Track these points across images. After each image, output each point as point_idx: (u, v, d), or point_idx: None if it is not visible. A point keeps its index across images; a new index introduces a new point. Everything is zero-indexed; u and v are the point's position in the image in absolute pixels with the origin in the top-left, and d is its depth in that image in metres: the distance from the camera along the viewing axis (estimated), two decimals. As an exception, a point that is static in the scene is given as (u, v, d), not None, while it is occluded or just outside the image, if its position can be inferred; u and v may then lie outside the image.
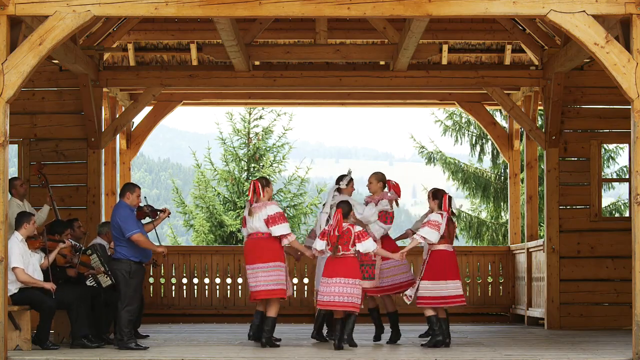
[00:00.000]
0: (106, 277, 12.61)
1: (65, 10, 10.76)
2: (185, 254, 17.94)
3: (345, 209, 11.84)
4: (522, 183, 20.82)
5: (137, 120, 18.00)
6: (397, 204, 13.04)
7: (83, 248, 12.77)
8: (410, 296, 12.30)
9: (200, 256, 17.81)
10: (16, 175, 14.60)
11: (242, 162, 27.28)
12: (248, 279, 12.22)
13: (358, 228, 11.92)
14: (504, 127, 19.75)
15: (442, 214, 12.30)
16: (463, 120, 25.79)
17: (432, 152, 26.25)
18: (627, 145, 17.67)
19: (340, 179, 13.06)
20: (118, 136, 17.18)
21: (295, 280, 17.41)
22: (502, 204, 25.46)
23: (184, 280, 17.71)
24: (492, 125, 18.26)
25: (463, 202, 26.37)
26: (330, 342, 12.74)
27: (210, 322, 17.34)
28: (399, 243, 13.55)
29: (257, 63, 16.33)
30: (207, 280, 17.67)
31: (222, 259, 17.76)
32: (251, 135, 27.41)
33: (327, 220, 12.37)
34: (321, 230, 12.05)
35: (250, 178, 26.96)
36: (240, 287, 17.66)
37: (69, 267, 12.50)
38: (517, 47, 16.96)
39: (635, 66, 10.72)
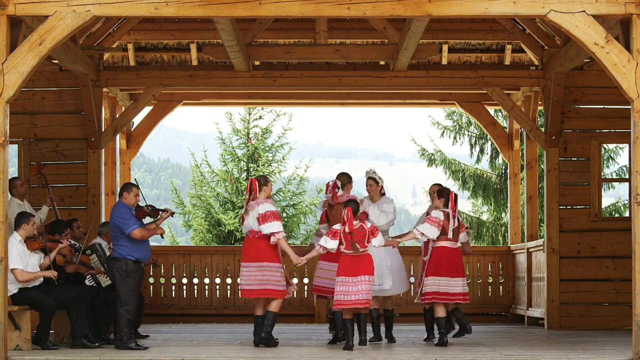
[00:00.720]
0: (106, 277, 12.62)
1: (65, 10, 10.76)
2: (185, 254, 17.94)
3: (354, 207, 11.87)
4: (522, 183, 20.82)
5: (137, 120, 18.01)
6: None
7: (82, 248, 12.78)
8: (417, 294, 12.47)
9: (200, 256, 17.81)
10: (16, 175, 14.59)
11: (242, 162, 27.28)
12: (240, 276, 12.20)
13: (369, 224, 11.98)
14: (504, 127, 19.76)
15: (444, 212, 12.35)
16: (463, 120, 25.79)
17: (432, 154, 26.25)
18: (627, 145, 17.66)
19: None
20: (118, 136, 17.18)
21: (295, 280, 17.40)
22: (502, 204, 25.46)
23: (184, 280, 17.71)
24: (492, 125, 18.26)
25: (463, 202, 26.35)
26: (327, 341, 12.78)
27: (210, 322, 17.34)
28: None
29: (257, 63, 16.33)
30: (207, 280, 17.67)
31: (222, 259, 17.76)
32: (250, 135, 27.42)
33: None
34: (330, 230, 12.02)
35: (249, 178, 26.94)
36: (240, 287, 17.63)
37: (68, 265, 12.49)
38: (517, 47, 16.96)
39: (635, 66, 10.72)
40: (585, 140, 15.93)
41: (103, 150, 16.08)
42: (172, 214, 12.38)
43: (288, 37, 16.64)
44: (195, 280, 17.64)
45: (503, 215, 25.64)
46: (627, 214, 23.51)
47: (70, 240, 12.72)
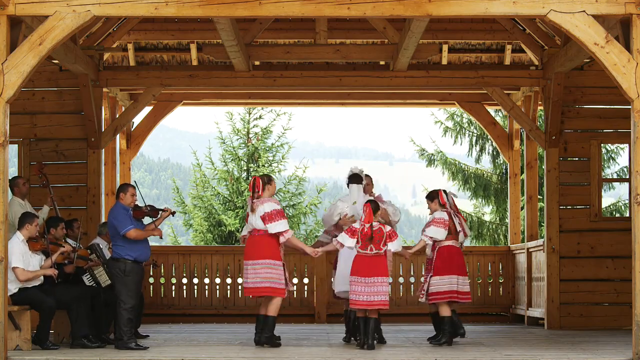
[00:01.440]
0: (105, 277, 12.61)
1: (65, 10, 10.76)
2: (185, 254, 17.94)
3: (374, 206, 11.90)
4: (522, 183, 20.82)
5: (137, 120, 18.01)
6: None
7: (81, 247, 12.78)
8: (422, 295, 12.46)
9: (200, 256, 17.81)
10: (17, 175, 14.59)
11: (242, 162, 27.29)
12: (244, 275, 12.25)
13: (388, 227, 12.00)
14: (504, 127, 19.76)
15: (446, 211, 12.39)
16: (464, 120, 25.78)
17: (432, 154, 26.23)
18: (627, 145, 17.68)
19: (356, 177, 13.01)
20: (118, 136, 17.18)
21: (295, 280, 17.41)
22: (502, 204, 25.45)
23: (184, 280, 17.71)
24: (492, 125, 18.26)
25: (464, 202, 26.34)
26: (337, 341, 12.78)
27: (210, 322, 17.34)
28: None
29: (257, 63, 16.33)
30: (207, 280, 17.67)
31: (222, 259, 17.76)
32: (250, 135, 27.42)
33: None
34: (348, 228, 12.03)
35: (249, 178, 26.97)
36: (240, 287, 17.65)
37: (68, 264, 12.49)
38: (517, 47, 16.96)
39: (635, 66, 10.72)
40: (585, 140, 15.93)
41: (103, 150, 16.08)
42: (173, 213, 12.35)
43: (288, 37, 16.64)
44: (195, 280, 17.64)
45: (503, 215, 25.64)
46: (627, 214, 23.51)
47: (69, 240, 12.73)
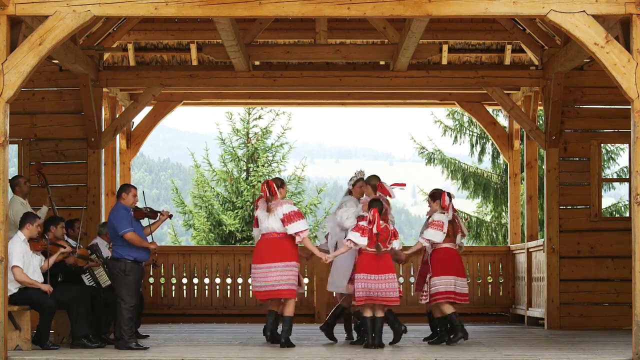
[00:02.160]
0: (105, 277, 12.61)
1: (65, 10, 10.76)
2: (185, 254, 17.94)
3: (379, 207, 11.93)
4: (522, 183, 20.82)
5: (137, 120, 18.01)
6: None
7: (81, 247, 12.77)
8: (425, 296, 12.47)
9: (200, 256, 17.81)
10: (18, 174, 14.59)
11: (241, 162, 27.28)
12: (255, 278, 12.18)
13: (392, 226, 12.03)
14: (504, 127, 19.76)
15: (445, 213, 12.39)
16: (465, 119, 25.78)
17: (432, 153, 26.24)
18: (627, 145, 17.68)
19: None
20: (118, 136, 17.18)
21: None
22: (502, 204, 25.45)
23: (184, 280, 17.71)
24: (492, 125, 18.26)
25: (463, 202, 26.34)
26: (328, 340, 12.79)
27: (210, 322, 17.34)
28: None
29: (257, 63, 16.33)
30: (207, 280, 17.67)
31: (222, 259, 17.76)
32: (250, 136, 27.41)
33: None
34: (356, 226, 12.01)
35: (249, 178, 26.97)
36: (240, 287, 17.66)
37: (69, 257, 12.47)
38: (517, 47, 16.96)
39: (635, 66, 10.72)
40: (585, 140, 15.93)
41: (103, 150, 16.08)
42: (170, 216, 12.40)
43: (288, 37, 16.64)
44: (195, 280, 17.63)
45: (503, 215, 25.64)
46: (627, 215, 23.51)
47: (68, 240, 12.72)
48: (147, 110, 17.85)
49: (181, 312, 17.54)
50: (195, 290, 17.65)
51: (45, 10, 10.78)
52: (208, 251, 18.66)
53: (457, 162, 26.08)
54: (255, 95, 18.13)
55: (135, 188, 12.12)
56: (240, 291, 17.64)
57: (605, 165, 24.18)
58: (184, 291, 17.69)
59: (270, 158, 27.41)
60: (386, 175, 13.28)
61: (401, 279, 17.66)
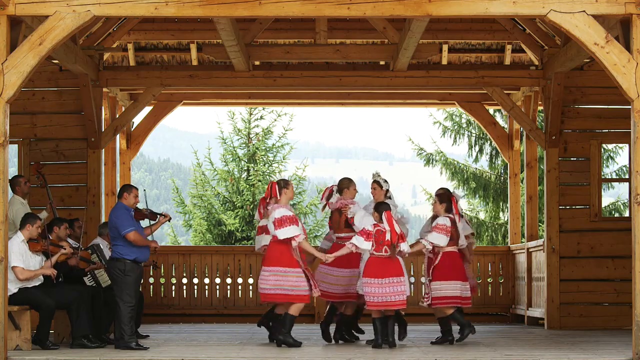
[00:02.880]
0: (105, 277, 12.61)
1: (65, 10, 10.76)
2: (185, 254, 17.93)
3: (389, 208, 11.95)
4: (522, 183, 20.82)
5: (137, 120, 18.01)
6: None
7: (82, 248, 12.77)
8: (425, 299, 12.47)
9: (200, 256, 17.81)
10: (17, 175, 14.59)
11: (242, 162, 27.28)
12: (259, 279, 12.23)
13: (399, 229, 12.00)
14: (504, 127, 19.76)
15: (450, 217, 12.35)
16: (463, 120, 25.78)
17: (431, 154, 26.23)
18: (627, 145, 17.67)
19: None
20: (118, 136, 17.18)
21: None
22: (501, 204, 25.46)
23: (184, 280, 17.70)
24: (492, 125, 18.26)
25: (463, 202, 26.36)
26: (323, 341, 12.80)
27: (210, 322, 17.33)
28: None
29: (257, 63, 16.34)
30: (207, 280, 17.66)
31: (222, 259, 17.75)
32: (251, 136, 27.42)
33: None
34: (362, 230, 12.00)
35: (249, 178, 26.99)
36: (240, 287, 17.66)
37: (71, 257, 12.47)
38: (517, 47, 16.96)
39: (635, 66, 10.72)
40: (585, 140, 15.93)
41: (103, 150, 16.08)
42: (170, 219, 12.42)
43: (288, 37, 16.64)
44: (195, 280, 17.63)
45: (503, 215, 25.65)
46: (627, 214, 23.52)
47: (69, 240, 12.72)
48: (147, 110, 17.86)
49: (181, 312, 17.54)
50: (195, 290, 17.65)
51: (45, 10, 10.78)
52: (208, 251, 18.65)
53: (456, 162, 26.08)
54: (255, 95, 18.13)
55: (137, 189, 12.13)
56: (240, 291, 17.64)
57: (605, 165, 24.17)
58: (184, 291, 17.69)
59: (271, 158, 27.42)
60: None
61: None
